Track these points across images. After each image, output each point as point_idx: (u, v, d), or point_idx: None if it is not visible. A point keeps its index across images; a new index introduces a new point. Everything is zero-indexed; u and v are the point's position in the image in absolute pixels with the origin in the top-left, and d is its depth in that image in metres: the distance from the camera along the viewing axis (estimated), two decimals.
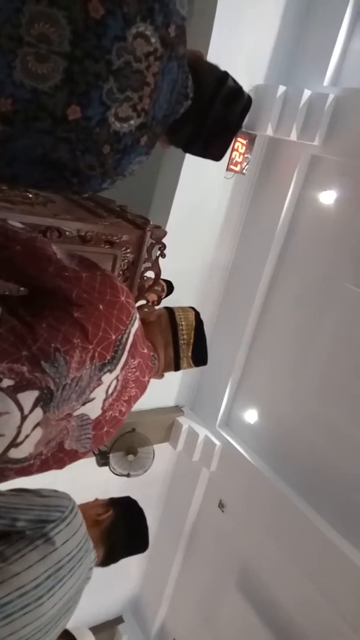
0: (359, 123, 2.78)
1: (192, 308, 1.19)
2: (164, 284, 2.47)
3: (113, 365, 0.91)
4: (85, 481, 2.96)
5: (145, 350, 1.02)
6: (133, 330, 0.95)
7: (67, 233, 1.55)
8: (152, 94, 0.73)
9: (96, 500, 1.28)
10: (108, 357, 0.89)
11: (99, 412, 0.94)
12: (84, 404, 0.90)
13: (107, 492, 1.43)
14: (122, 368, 0.94)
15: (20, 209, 1.48)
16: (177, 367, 1.13)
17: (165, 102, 0.77)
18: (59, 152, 0.70)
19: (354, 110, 2.80)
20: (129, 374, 0.97)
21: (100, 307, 0.88)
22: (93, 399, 0.91)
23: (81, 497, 1.30)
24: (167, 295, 2.59)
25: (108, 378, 0.91)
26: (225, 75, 0.86)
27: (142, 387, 1.03)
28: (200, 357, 1.14)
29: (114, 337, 0.89)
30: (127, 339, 0.93)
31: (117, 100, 0.69)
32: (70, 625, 1.17)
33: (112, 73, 0.67)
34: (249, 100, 0.88)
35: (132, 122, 0.73)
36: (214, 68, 0.86)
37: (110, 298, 0.90)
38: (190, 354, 1.12)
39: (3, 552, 0.97)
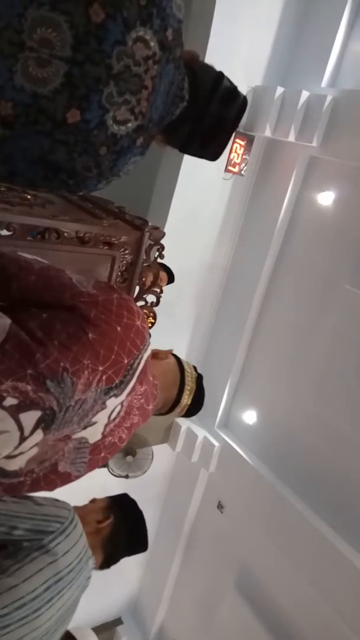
0: (357, 124, 2.79)
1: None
2: (162, 283, 2.46)
3: (120, 390, 0.88)
4: (84, 482, 2.94)
5: (152, 379, 1.00)
6: (145, 355, 0.92)
7: (66, 234, 1.55)
8: (149, 97, 0.73)
9: (94, 501, 1.27)
10: (116, 381, 0.86)
11: (99, 437, 0.91)
12: (84, 427, 0.87)
13: (106, 493, 1.42)
14: (129, 394, 0.91)
15: (18, 210, 1.48)
16: (170, 410, 1.12)
17: (162, 104, 0.78)
18: (56, 154, 0.70)
19: (352, 112, 2.81)
20: (135, 401, 0.94)
21: (118, 329, 0.85)
22: (95, 423, 0.88)
23: (80, 498, 1.30)
24: (168, 283, 2.56)
25: (113, 403, 0.88)
26: (220, 75, 0.86)
27: (145, 416, 1.00)
28: (192, 412, 1.14)
29: (126, 361, 0.87)
30: (138, 364, 0.90)
31: (116, 103, 0.70)
32: (70, 626, 1.17)
33: (113, 77, 0.67)
34: (244, 101, 0.88)
35: (129, 124, 0.73)
36: (209, 69, 0.87)
37: (127, 321, 0.87)
38: (189, 402, 1.11)
39: (0, 564, 0.96)
